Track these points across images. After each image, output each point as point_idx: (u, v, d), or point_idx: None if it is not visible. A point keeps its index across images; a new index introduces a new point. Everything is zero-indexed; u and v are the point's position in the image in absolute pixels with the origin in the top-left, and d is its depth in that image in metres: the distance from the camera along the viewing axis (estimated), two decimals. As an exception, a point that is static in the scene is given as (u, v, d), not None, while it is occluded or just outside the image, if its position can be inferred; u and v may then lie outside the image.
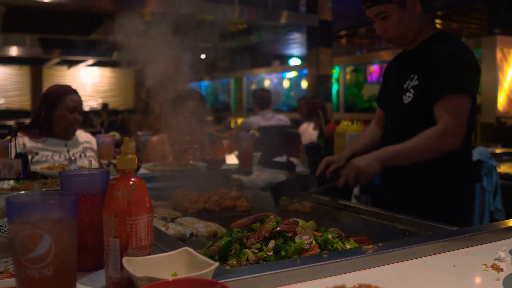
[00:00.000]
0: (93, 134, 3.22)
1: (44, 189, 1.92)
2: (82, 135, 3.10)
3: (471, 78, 1.90)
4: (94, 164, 2.97)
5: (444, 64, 1.86)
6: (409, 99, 1.95)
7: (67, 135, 3.00)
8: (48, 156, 2.87)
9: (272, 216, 1.29)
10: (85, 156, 3.00)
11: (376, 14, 1.94)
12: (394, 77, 2.11)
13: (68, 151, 2.95)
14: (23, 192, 1.89)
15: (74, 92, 3.02)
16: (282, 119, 5.71)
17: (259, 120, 5.48)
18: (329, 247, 1.21)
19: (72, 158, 2.49)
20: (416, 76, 1.95)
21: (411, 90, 1.95)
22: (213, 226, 1.54)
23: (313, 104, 5.52)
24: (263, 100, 5.63)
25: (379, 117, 2.26)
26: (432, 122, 1.86)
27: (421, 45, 2.01)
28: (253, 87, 13.16)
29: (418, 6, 1.93)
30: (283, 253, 1.15)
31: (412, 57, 2.03)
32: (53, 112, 2.97)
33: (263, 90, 6.07)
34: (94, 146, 3.10)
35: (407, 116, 1.97)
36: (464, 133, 1.86)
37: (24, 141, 2.89)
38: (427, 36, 2.00)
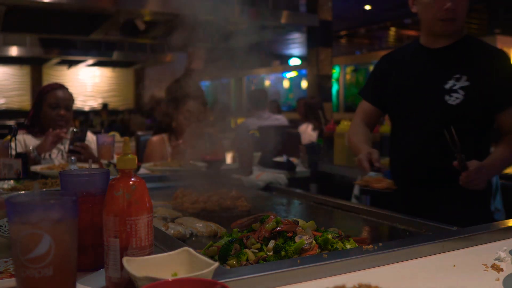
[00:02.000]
0: (94, 134, 3.21)
1: (44, 189, 1.92)
2: None
3: None
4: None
5: (506, 75, 1.92)
6: (458, 100, 1.90)
7: None
8: (46, 154, 2.87)
9: (272, 216, 1.29)
10: None
11: None
12: (421, 76, 2.01)
13: (64, 148, 2.95)
14: (23, 192, 1.89)
15: (58, 88, 3.00)
16: (279, 118, 5.66)
17: (255, 121, 5.42)
18: (329, 247, 1.20)
19: (72, 158, 2.49)
20: (464, 77, 1.91)
21: (460, 91, 1.90)
22: (213, 226, 1.54)
23: (311, 105, 5.51)
24: (258, 100, 5.57)
25: (367, 114, 2.18)
26: (480, 124, 1.92)
27: (456, 45, 1.98)
28: (253, 87, 13.16)
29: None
30: (283, 253, 1.15)
31: (450, 56, 1.97)
32: (40, 110, 2.98)
33: (259, 90, 6.04)
34: (93, 143, 3.08)
35: (456, 118, 1.89)
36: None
37: (24, 139, 2.91)
38: (458, 38, 1.99)
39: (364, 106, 2.21)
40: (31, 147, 2.68)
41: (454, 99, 1.90)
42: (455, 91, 1.91)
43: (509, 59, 1.95)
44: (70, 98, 3.04)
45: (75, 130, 2.87)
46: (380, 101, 2.16)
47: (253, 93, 5.78)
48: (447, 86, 1.92)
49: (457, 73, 1.92)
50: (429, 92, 1.97)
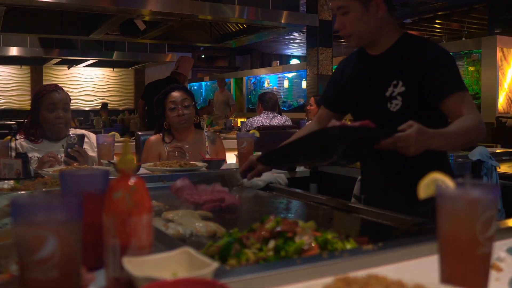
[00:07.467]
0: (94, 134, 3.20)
1: (44, 189, 1.92)
2: (78, 133, 3.06)
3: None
4: (92, 157, 2.94)
5: (440, 65, 1.86)
6: (398, 107, 1.90)
7: (57, 135, 2.96)
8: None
9: (272, 216, 1.29)
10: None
11: (337, 8, 1.91)
12: (364, 84, 2.04)
13: (61, 158, 2.91)
14: (24, 192, 1.89)
15: (53, 89, 2.95)
16: (284, 118, 5.91)
17: (263, 119, 5.68)
18: (329, 247, 1.20)
19: None
20: (400, 83, 1.90)
21: (398, 98, 1.90)
22: (213, 226, 1.54)
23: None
24: (272, 102, 5.85)
25: (322, 118, 2.25)
26: (426, 125, 1.79)
27: (392, 49, 1.97)
28: (251, 87, 13.17)
29: (382, 10, 1.92)
30: (283, 253, 1.15)
31: (387, 63, 1.98)
32: (38, 115, 2.93)
33: (272, 93, 6.27)
34: (93, 140, 3.07)
35: (397, 124, 1.79)
36: None
37: (21, 143, 2.88)
38: (394, 40, 1.98)
39: (322, 110, 2.27)
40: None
41: (394, 106, 1.91)
42: (395, 98, 1.92)
43: (443, 52, 1.90)
44: (66, 99, 2.99)
45: (71, 134, 2.84)
46: (338, 105, 2.22)
47: (267, 95, 6.01)
48: (387, 93, 1.93)
49: (393, 80, 1.93)
50: (372, 100, 2.00)
